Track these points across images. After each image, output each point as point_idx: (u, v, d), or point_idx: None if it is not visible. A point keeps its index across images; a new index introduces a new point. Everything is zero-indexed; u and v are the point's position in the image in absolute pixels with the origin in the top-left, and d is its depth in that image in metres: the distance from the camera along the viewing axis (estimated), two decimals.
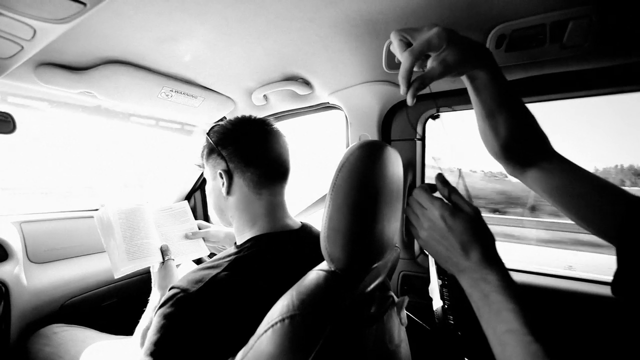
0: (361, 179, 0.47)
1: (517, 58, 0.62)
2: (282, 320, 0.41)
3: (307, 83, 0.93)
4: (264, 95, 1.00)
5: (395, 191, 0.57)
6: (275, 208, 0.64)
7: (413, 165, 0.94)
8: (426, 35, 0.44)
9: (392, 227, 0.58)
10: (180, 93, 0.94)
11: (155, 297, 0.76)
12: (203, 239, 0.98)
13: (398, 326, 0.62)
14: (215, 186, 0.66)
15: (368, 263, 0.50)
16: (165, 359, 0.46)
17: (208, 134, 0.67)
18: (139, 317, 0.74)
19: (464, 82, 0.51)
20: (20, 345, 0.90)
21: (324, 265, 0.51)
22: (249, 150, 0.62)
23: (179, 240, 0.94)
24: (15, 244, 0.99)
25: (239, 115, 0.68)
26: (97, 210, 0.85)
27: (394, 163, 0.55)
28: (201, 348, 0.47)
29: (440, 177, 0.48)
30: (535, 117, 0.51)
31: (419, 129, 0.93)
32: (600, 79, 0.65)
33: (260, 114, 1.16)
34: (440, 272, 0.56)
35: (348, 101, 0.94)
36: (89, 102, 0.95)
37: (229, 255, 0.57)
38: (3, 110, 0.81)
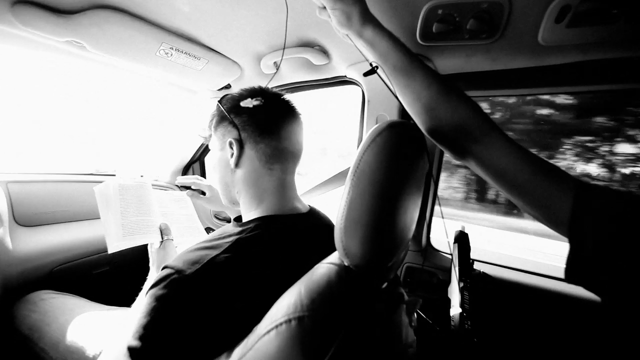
0: (389, 164, 0.40)
1: (578, 37, 0.53)
2: (289, 321, 0.36)
3: (324, 52, 0.82)
4: (275, 63, 0.90)
5: (418, 179, 0.50)
6: (285, 186, 0.59)
7: (432, 149, 0.87)
8: None
9: (412, 219, 0.52)
10: (182, 52, 0.84)
11: (153, 277, 0.72)
12: (203, 193, 0.91)
13: (407, 325, 0.57)
14: (222, 157, 0.60)
15: (386, 260, 0.45)
16: (154, 344, 0.42)
17: (220, 101, 0.60)
18: (131, 288, 0.69)
19: (373, 57, 0.53)
20: (5, 311, 0.87)
21: (334, 259, 0.45)
22: (265, 120, 0.56)
23: (179, 223, 0.89)
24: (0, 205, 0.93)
25: (255, 86, 0.59)
26: (96, 179, 0.79)
27: (422, 148, 0.48)
28: (193, 336, 0.42)
29: None
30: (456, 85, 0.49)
31: None
32: None
33: (268, 84, 1.06)
34: (463, 274, 0.51)
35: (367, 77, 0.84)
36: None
37: (229, 235, 0.51)
38: None
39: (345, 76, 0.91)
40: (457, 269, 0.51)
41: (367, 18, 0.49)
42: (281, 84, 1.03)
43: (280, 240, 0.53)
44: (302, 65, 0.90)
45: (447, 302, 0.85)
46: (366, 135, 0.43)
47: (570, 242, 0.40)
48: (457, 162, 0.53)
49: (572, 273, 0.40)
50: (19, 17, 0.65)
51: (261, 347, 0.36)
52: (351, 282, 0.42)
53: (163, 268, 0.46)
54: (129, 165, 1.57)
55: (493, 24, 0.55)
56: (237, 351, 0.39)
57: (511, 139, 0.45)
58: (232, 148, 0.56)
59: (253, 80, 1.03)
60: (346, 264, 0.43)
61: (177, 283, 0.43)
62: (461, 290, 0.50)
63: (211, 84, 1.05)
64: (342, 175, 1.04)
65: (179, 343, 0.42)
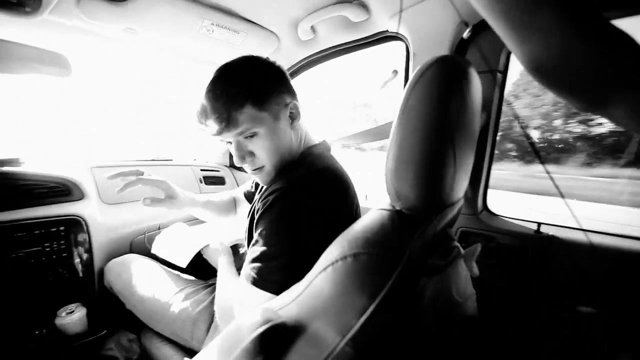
0: (440, 96, 0.37)
1: None
2: (344, 258, 0.36)
3: (363, 5, 0.78)
4: (312, 27, 0.88)
5: (472, 125, 0.46)
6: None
7: (489, 102, 0.78)
8: None
9: (467, 169, 0.48)
10: (222, 27, 0.86)
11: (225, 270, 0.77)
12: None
13: (465, 278, 0.54)
14: (278, 126, 0.66)
15: (441, 204, 0.42)
16: (278, 245, 0.53)
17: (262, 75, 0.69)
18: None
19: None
20: (102, 271, 1.04)
21: (385, 205, 0.44)
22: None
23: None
24: (89, 186, 1.09)
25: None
26: (157, 164, 0.91)
27: (476, 89, 0.43)
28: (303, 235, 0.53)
29: None
30: None
31: (502, 60, 0.75)
32: None
33: (307, 52, 1.04)
34: None
35: (413, 25, 0.77)
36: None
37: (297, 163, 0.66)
38: (58, 52, 0.82)
39: (387, 31, 0.85)
40: None
41: None
42: (319, 49, 1.01)
43: (327, 159, 0.66)
44: (340, 25, 0.87)
45: (507, 267, 0.78)
46: (413, 73, 0.40)
47: None
48: None
49: None
50: (85, 11, 0.73)
51: (318, 282, 0.37)
52: (405, 225, 0.41)
53: None
54: (183, 151, 1.72)
55: None
56: (295, 290, 0.41)
57: None
58: (290, 109, 0.65)
59: (290, 49, 1.02)
60: (398, 208, 0.42)
61: (284, 194, 0.55)
62: None
63: None
64: (380, 129, 0.98)
65: (297, 241, 0.52)
